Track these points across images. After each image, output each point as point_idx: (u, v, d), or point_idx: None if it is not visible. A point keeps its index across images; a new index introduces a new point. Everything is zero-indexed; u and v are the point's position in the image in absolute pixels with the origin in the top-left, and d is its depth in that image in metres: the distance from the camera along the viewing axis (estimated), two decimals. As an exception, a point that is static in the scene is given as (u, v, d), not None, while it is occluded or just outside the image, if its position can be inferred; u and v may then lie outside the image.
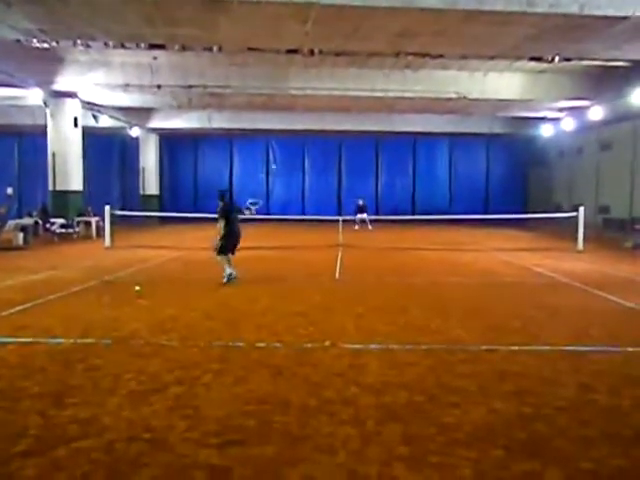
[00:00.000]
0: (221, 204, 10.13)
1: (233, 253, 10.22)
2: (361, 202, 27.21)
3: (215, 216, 10.26)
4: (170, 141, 32.16)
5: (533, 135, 28.98)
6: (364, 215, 26.21)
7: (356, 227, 25.64)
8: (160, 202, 31.04)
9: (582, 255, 15.16)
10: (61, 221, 19.10)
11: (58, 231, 18.78)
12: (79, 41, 14.51)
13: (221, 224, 9.97)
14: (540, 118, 26.00)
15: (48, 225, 19.02)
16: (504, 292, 9.71)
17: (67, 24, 12.72)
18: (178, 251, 15.73)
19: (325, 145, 32.48)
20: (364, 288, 9.95)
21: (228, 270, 10.00)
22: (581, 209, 16.53)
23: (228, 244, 10.00)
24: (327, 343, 6.07)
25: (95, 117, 22.94)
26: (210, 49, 15.11)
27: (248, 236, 19.24)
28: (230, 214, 10.10)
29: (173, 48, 15.12)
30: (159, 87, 18.69)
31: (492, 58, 16.20)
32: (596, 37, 12.45)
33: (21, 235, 16.25)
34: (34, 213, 20.19)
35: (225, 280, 9.90)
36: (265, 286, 9.97)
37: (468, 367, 5.34)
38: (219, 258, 10.09)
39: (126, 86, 18.71)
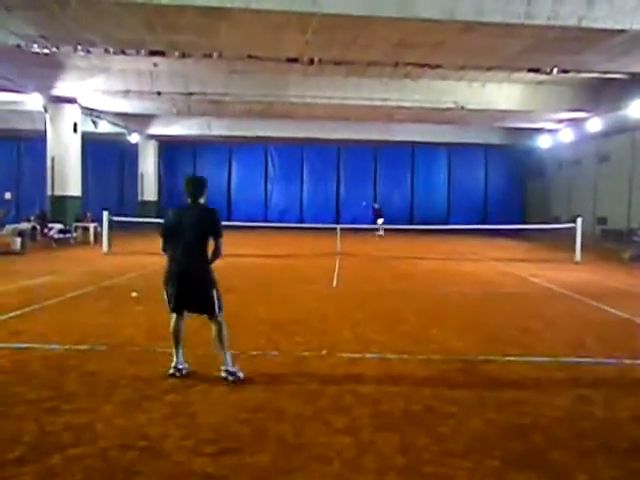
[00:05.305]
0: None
1: (180, 312, 5.41)
2: (377, 206, 25.29)
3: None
4: (169, 148, 32.19)
5: (531, 146, 29.05)
6: (381, 220, 23.99)
7: (380, 232, 23.02)
8: (158, 208, 31.02)
9: (580, 266, 15.17)
10: (59, 226, 19.04)
11: (56, 236, 18.72)
12: (79, 47, 14.52)
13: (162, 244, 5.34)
14: (538, 129, 26.09)
15: (46, 230, 18.97)
16: (501, 302, 9.70)
17: (67, 30, 12.76)
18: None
19: (324, 153, 32.51)
20: (361, 296, 9.93)
21: (174, 357, 5.32)
22: (579, 220, 16.55)
23: (166, 286, 5.28)
24: (324, 352, 6.06)
25: (94, 123, 22.96)
26: (210, 56, 15.14)
27: (245, 244, 19.32)
28: (175, 225, 5.22)
29: (173, 55, 15.16)
30: (159, 94, 18.76)
31: (490, 69, 16.28)
32: (594, 49, 12.54)
33: (19, 240, 16.18)
34: (32, 218, 20.14)
35: (170, 372, 5.21)
36: (262, 294, 9.96)
37: (464, 377, 5.34)
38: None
39: (126, 92, 18.76)
